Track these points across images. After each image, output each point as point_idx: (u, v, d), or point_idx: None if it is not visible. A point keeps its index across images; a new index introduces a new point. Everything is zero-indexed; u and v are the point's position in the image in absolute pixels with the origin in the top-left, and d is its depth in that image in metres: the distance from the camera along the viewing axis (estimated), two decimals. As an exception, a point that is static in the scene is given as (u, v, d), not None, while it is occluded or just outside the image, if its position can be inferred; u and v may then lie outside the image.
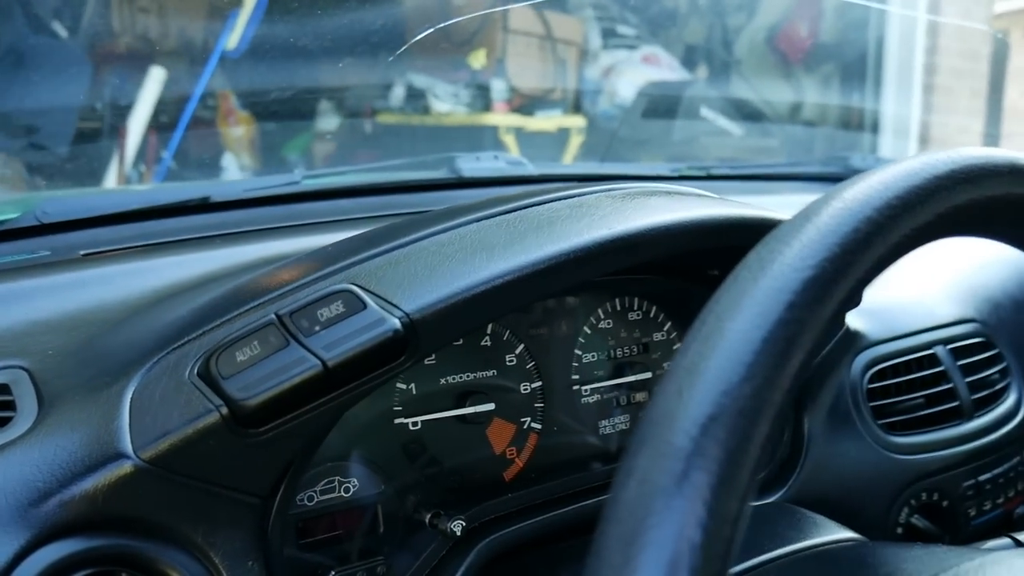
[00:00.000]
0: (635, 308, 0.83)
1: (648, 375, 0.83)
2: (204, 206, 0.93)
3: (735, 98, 3.22)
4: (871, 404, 0.95)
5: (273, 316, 0.55)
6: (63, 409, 0.60)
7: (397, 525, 0.69)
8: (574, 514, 0.74)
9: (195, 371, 0.56)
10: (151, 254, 0.82)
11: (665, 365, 0.85)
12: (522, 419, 0.76)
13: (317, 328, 0.55)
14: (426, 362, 0.71)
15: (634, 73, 3.43)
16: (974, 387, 1.04)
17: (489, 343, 0.74)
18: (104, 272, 0.78)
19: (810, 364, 0.35)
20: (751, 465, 0.33)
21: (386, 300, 0.56)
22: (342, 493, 0.67)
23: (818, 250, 0.37)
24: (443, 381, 0.72)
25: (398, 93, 3.23)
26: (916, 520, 0.94)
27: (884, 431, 0.95)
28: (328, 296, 0.55)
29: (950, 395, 1.01)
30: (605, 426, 0.81)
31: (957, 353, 1.04)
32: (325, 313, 0.55)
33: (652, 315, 0.84)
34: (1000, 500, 1.03)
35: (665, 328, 0.85)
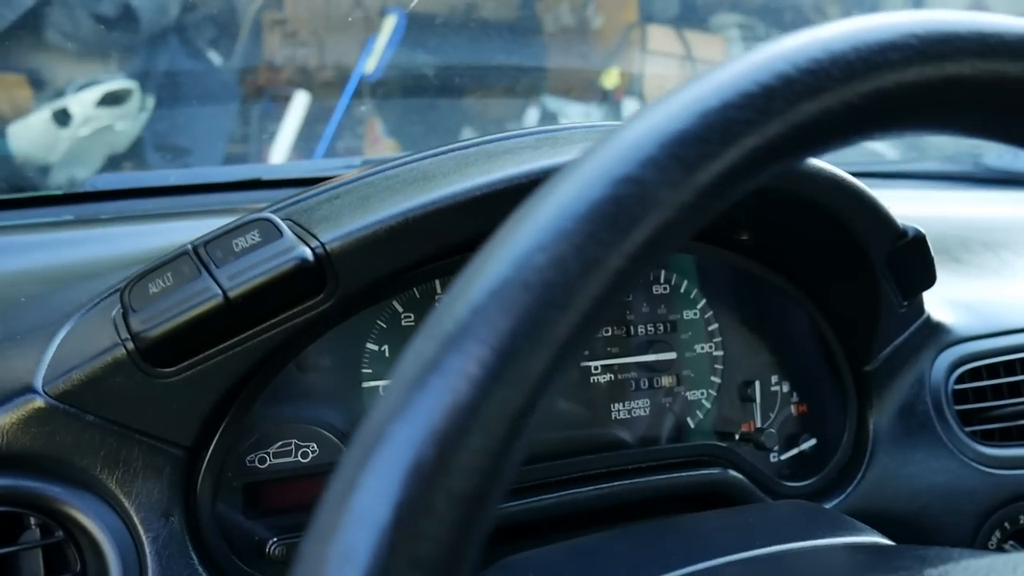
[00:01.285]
0: (661, 281, 0.74)
1: (673, 356, 0.74)
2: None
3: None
4: (958, 408, 0.81)
5: (188, 246, 0.51)
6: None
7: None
8: (565, 501, 0.66)
9: (120, 311, 0.53)
10: (153, 221, 0.81)
11: (697, 348, 0.75)
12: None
13: (231, 258, 0.50)
14: (404, 323, 0.65)
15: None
16: (1094, 398, 0.87)
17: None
18: (105, 233, 0.78)
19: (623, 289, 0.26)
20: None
21: (306, 230, 0.51)
22: (299, 458, 0.62)
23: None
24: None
25: (531, 116, 3.22)
26: (1010, 547, 0.79)
27: (973, 439, 0.80)
28: (244, 225, 0.51)
29: (1063, 404, 0.85)
30: (619, 410, 0.72)
31: (1077, 356, 0.88)
32: (240, 243, 0.50)
33: (683, 290, 0.75)
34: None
35: (699, 306, 0.75)
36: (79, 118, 1.35)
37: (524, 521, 0.65)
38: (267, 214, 0.51)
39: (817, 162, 0.61)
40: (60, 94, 1.47)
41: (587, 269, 0.26)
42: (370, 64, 2.86)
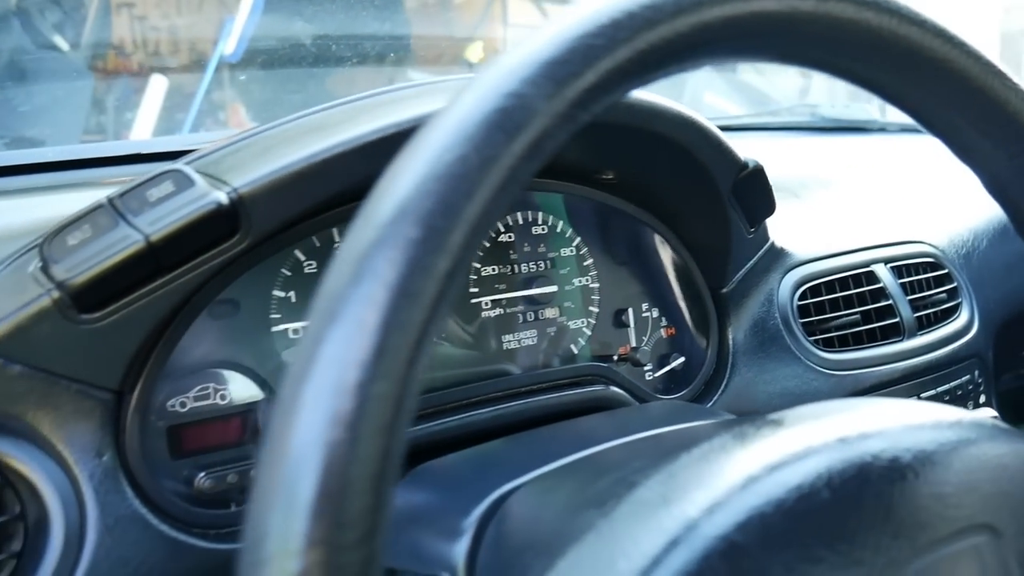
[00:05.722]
0: (539, 222, 0.82)
1: (554, 289, 0.81)
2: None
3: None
4: (802, 321, 0.92)
5: (104, 199, 0.55)
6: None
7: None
8: (468, 422, 0.73)
9: (38, 265, 0.56)
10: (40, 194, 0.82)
11: (575, 281, 0.83)
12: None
13: (147, 208, 0.54)
14: (307, 271, 0.70)
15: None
16: (917, 305, 1.01)
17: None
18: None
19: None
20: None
21: (216, 179, 0.55)
22: (218, 400, 0.66)
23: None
24: (324, 290, 0.71)
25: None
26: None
27: (816, 347, 0.92)
28: (157, 176, 0.55)
29: (890, 312, 0.98)
30: (509, 340, 0.80)
31: (900, 272, 1.01)
32: (155, 193, 0.54)
33: (559, 229, 0.82)
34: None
35: (574, 243, 0.83)
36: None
37: (429, 444, 0.71)
38: (178, 165, 0.55)
39: (670, 102, 0.70)
40: None
41: (485, 164, 0.32)
42: (229, 45, 2.81)
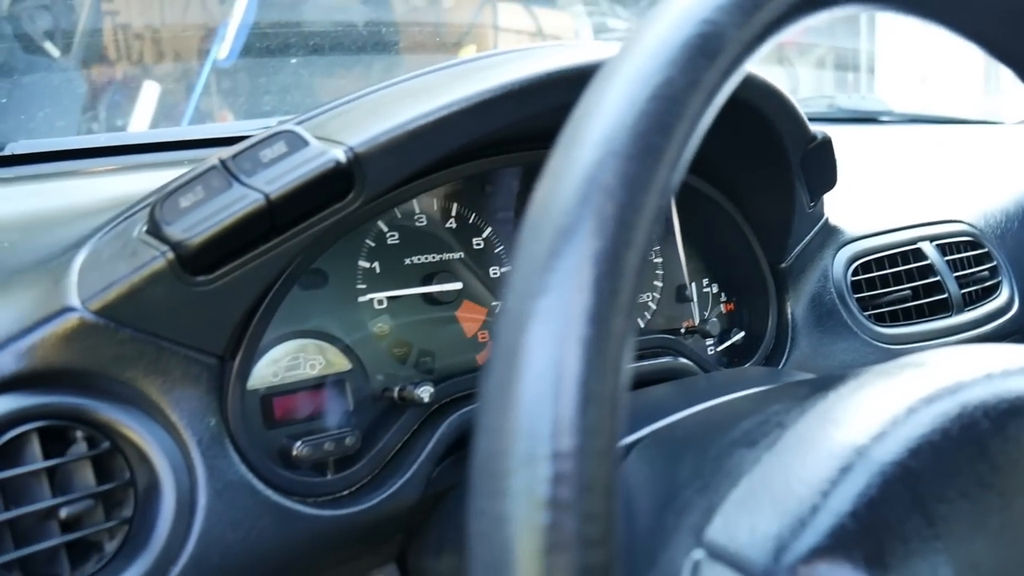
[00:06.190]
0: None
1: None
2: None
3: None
4: (856, 296, 0.93)
5: (216, 160, 0.55)
6: (11, 281, 0.59)
7: (367, 403, 0.68)
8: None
9: (143, 230, 0.56)
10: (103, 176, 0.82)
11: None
12: (493, 303, 0.75)
13: (260, 168, 0.54)
14: (389, 242, 0.70)
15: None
16: (963, 283, 1.02)
17: (455, 225, 0.73)
18: (61, 186, 0.79)
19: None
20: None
21: (329, 139, 0.55)
22: (308, 370, 0.66)
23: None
24: (408, 261, 0.71)
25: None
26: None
27: (870, 322, 0.93)
28: (270, 138, 0.55)
29: (938, 288, 0.99)
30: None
31: (944, 250, 1.03)
32: (268, 154, 0.54)
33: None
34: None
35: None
36: None
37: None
38: (289, 126, 0.55)
39: (754, 71, 0.71)
40: None
41: (690, 87, 0.33)
42: (223, 50, 2.80)
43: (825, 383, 0.47)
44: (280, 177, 0.53)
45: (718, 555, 0.37)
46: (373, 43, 2.21)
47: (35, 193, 0.82)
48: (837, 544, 0.35)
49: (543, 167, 0.32)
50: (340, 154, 0.54)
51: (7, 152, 0.95)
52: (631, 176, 0.30)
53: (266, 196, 0.52)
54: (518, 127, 0.61)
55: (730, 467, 0.42)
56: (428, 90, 0.59)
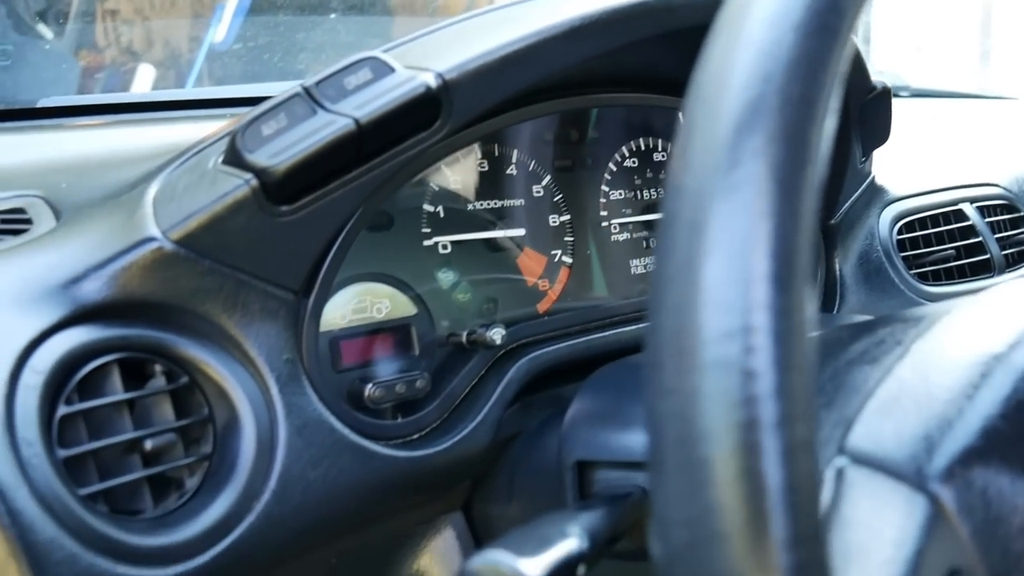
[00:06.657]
0: (659, 149, 0.81)
1: (676, 216, 0.81)
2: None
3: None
4: (902, 255, 0.93)
5: (299, 87, 0.53)
6: (82, 215, 0.58)
7: (432, 348, 0.67)
8: (613, 339, 0.72)
9: (220, 160, 0.54)
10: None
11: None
12: (553, 252, 0.74)
13: (344, 96, 0.53)
14: (452, 187, 0.69)
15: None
16: (1002, 244, 1.02)
17: (515, 172, 0.72)
18: (100, 134, 0.77)
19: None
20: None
21: (415, 66, 0.54)
22: (374, 314, 0.65)
23: None
24: (470, 207, 0.70)
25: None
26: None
27: (916, 280, 0.93)
28: (354, 64, 0.53)
29: (979, 249, 0.99)
30: (636, 265, 0.79)
31: (983, 212, 1.03)
32: (352, 81, 0.53)
33: (676, 159, 0.82)
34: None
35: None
36: None
37: (572, 361, 0.71)
38: (374, 53, 0.54)
39: None
40: None
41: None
42: (219, 33, 2.77)
43: (924, 309, 0.46)
44: (369, 103, 0.52)
45: (864, 460, 0.36)
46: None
47: (77, 140, 0.81)
48: (991, 446, 0.35)
49: (702, 47, 0.31)
50: (431, 79, 0.53)
51: (40, 105, 0.94)
52: (812, 53, 0.29)
53: (356, 121, 0.51)
54: (606, 63, 0.60)
55: (856, 382, 0.41)
56: (514, 20, 0.58)
